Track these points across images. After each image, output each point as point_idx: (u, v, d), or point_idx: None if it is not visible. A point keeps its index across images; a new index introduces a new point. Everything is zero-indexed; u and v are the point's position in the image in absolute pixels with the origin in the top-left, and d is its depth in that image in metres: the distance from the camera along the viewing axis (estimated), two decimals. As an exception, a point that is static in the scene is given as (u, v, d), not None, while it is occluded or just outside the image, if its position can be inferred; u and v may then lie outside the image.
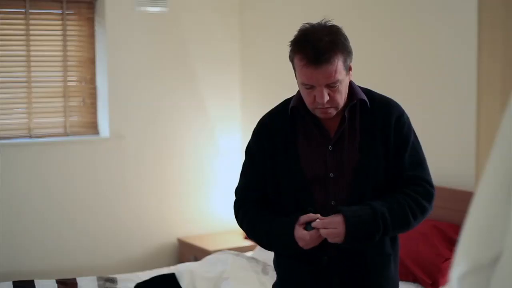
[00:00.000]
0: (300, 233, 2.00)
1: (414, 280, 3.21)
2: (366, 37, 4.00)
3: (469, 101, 3.37)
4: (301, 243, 2.01)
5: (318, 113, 2.05)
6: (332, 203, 2.06)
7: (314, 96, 2.00)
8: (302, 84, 2.02)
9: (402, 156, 2.07)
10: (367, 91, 2.14)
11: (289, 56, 2.04)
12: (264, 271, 3.70)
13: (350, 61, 2.04)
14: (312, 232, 1.99)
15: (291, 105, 2.13)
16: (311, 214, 2.01)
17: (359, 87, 2.15)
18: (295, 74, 2.05)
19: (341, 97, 2.02)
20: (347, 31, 2.06)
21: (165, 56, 4.85)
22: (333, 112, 2.04)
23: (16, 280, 3.72)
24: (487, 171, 1.05)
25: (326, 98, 1.99)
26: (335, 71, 1.97)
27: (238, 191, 2.23)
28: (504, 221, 1.01)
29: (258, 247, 4.21)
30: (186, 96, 4.92)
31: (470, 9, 3.32)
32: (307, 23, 2.03)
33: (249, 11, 5.00)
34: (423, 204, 2.06)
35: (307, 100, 2.04)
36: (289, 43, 2.04)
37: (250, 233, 2.20)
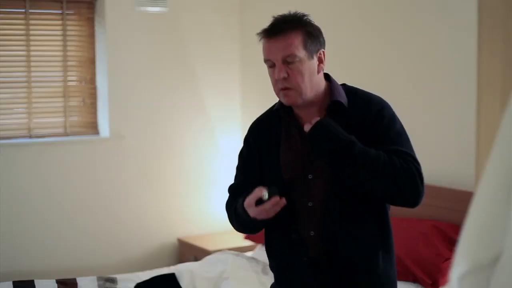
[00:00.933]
0: (246, 201, 2.04)
1: (414, 280, 3.20)
2: (366, 38, 4.00)
3: (469, 101, 3.37)
4: (250, 213, 2.04)
5: (281, 97, 2.07)
6: (310, 204, 2.06)
7: (276, 80, 2.05)
8: (264, 62, 2.08)
9: (383, 145, 2.01)
10: (352, 90, 2.13)
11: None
12: (264, 271, 3.70)
13: (318, 50, 2.06)
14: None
15: (276, 106, 2.18)
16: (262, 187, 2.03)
17: (346, 86, 2.15)
18: None
19: (302, 79, 2.03)
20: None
21: (165, 56, 4.85)
22: (295, 96, 2.04)
23: (16, 280, 3.72)
24: (487, 171, 1.05)
25: (283, 74, 2.01)
26: (291, 44, 2.01)
27: (230, 190, 2.28)
28: (504, 221, 1.01)
29: (258, 247, 4.22)
30: (186, 96, 4.92)
31: (470, 9, 3.32)
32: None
33: (249, 11, 5.00)
34: (399, 173, 1.95)
35: (272, 83, 2.09)
36: None
37: (230, 221, 2.23)
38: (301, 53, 2.02)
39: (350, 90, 2.12)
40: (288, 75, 2.02)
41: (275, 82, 2.06)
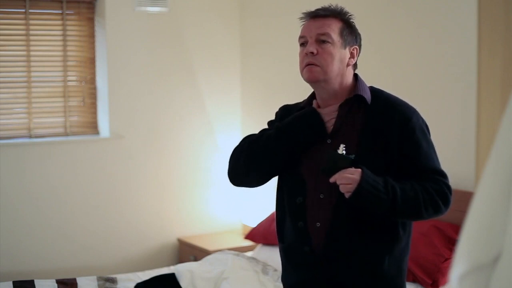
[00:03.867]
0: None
1: (414, 280, 3.20)
2: (365, 38, 3.99)
3: (469, 101, 3.37)
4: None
5: (305, 72, 2.10)
6: (321, 196, 2.07)
7: (305, 54, 2.09)
8: (299, 40, 2.13)
9: (414, 163, 2.05)
10: (376, 91, 2.16)
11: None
12: (264, 271, 3.70)
13: (352, 44, 2.13)
14: None
15: (302, 104, 2.22)
16: None
17: (373, 87, 2.17)
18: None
19: (331, 60, 2.07)
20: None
21: (165, 56, 4.85)
22: (319, 73, 2.07)
23: (16, 280, 3.72)
24: (487, 171, 1.05)
25: (313, 49, 2.07)
26: (328, 25, 2.09)
27: (247, 136, 2.23)
28: (504, 221, 1.01)
29: (258, 247, 4.21)
30: (186, 96, 4.92)
31: (470, 9, 3.32)
32: None
33: (249, 11, 5.00)
34: (437, 200, 2.02)
35: (300, 60, 2.13)
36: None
37: (249, 148, 2.15)
38: (336, 37, 2.08)
39: (375, 91, 2.16)
40: (318, 52, 2.07)
41: (302, 58, 2.11)
